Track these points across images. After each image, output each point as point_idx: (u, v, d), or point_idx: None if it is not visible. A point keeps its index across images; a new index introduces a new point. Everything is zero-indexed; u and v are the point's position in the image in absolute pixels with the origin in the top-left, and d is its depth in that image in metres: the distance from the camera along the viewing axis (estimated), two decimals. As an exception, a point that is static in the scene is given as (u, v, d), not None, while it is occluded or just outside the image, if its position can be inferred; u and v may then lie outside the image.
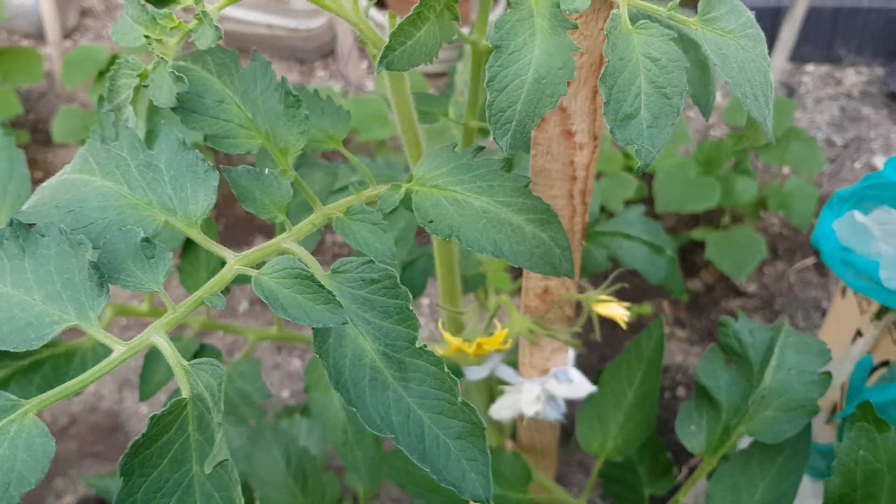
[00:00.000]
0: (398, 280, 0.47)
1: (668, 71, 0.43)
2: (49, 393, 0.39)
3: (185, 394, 0.41)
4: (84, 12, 2.52)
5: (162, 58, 0.50)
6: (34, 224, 0.45)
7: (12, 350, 0.40)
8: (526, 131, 0.44)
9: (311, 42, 2.34)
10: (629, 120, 0.43)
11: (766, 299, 1.82)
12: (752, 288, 1.84)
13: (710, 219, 1.87)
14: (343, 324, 0.44)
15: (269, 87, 0.52)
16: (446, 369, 0.47)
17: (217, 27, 0.48)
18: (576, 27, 0.45)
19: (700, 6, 0.45)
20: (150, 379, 0.79)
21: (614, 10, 0.44)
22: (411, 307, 0.47)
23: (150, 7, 0.51)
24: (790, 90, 2.26)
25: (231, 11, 2.28)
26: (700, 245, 1.83)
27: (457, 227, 0.51)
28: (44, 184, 0.51)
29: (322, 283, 0.45)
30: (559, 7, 0.44)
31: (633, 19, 0.45)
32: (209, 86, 0.52)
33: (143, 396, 0.79)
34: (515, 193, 0.52)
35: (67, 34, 2.42)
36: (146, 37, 0.50)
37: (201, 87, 0.52)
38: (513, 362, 0.88)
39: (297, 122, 0.52)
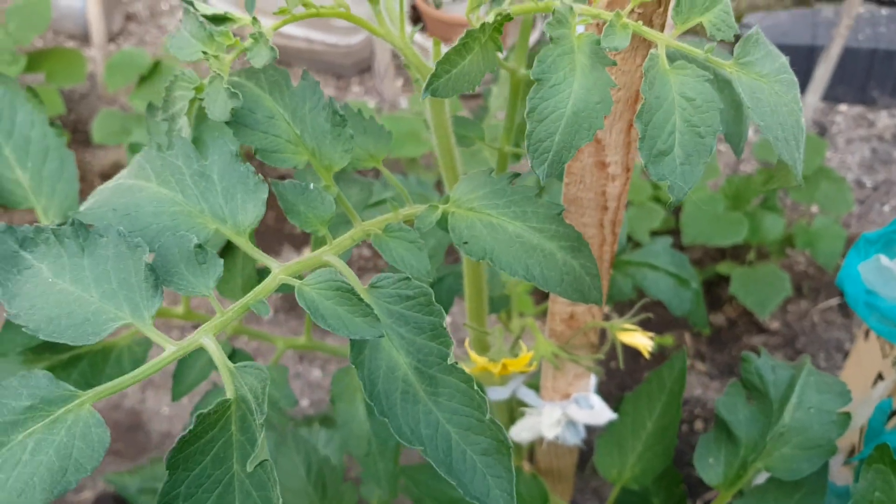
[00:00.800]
0: (433, 298, 0.49)
1: (703, 111, 0.45)
2: (106, 385, 0.41)
3: (229, 395, 0.43)
4: (129, 17, 2.58)
5: (218, 73, 0.52)
6: (91, 225, 0.47)
7: (70, 343, 0.42)
8: (563, 161, 0.46)
9: (349, 58, 2.38)
10: (663, 156, 0.45)
11: (788, 337, 1.82)
12: (774, 325, 1.84)
13: (736, 254, 1.88)
14: (380, 337, 0.46)
15: (317, 106, 0.55)
16: (476, 387, 0.48)
17: (272, 48, 0.51)
18: (614, 64, 0.47)
19: (736, 50, 0.46)
20: (183, 380, 0.81)
21: (652, 50, 0.46)
22: (445, 325, 0.49)
23: (207, 24, 0.53)
24: (822, 129, 2.26)
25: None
26: (725, 279, 1.84)
27: (490, 250, 0.53)
28: (101, 186, 0.54)
29: (361, 296, 0.47)
30: (599, 44, 0.46)
31: (671, 59, 0.46)
32: (260, 102, 0.54)
33: (176, 397, 0.81)
34: (548, 220, 0.54)
35: (112, 38, 2.47)
36: (204, 52, 0.52)
37: (253, 102, 0.54)
38: (534, 385, 0.89)
39: (342, 141, 0.54)
